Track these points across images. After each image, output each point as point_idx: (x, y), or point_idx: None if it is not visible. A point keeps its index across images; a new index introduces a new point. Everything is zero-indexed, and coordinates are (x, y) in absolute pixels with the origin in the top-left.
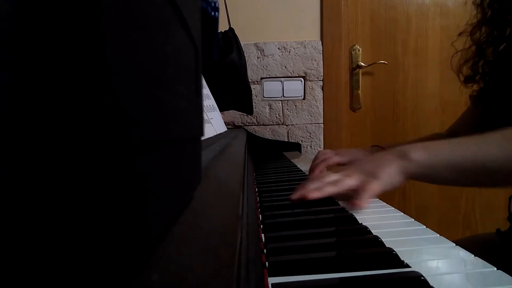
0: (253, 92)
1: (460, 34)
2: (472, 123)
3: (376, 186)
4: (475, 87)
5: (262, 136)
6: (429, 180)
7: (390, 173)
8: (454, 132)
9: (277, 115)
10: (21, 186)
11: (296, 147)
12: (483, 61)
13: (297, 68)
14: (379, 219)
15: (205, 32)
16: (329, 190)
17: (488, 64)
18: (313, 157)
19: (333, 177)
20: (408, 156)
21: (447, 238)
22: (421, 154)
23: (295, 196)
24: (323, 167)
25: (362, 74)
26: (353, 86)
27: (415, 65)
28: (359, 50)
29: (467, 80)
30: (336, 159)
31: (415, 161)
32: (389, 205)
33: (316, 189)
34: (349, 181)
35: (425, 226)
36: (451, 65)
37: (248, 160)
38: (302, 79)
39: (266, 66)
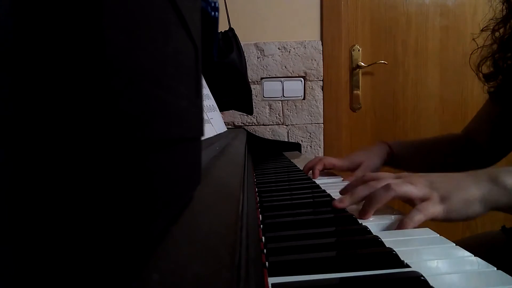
0: (253, 92)
1: (483, 29)
2: (488, 122)
3: (434, 209)
4: (492, 84)
5: (262, 136)
6: None
7: (466, 201)
8: (470, 132)
9: (277, 115)
10: (21, 185)
11: (296, 147)
12: (508, 55)
13: (297, 68)
14: (379, 219)
15: (205, 32)
16: (384, 200)
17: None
18: (313, 157)
19: (389, 180)
20: (498, 180)
21: (447, 238)
22: None
23: (342, 205)
24: (320, 167)
25: (362, 74)
26: (353, 86)
27: (415, 65)
28: (359, 50)
29: (488, 77)
30: (333, 160)
31: (506, 187)
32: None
33: (370, 203)
34: (409, 188)
35: (425, 226)
36: (470, 62)
37: (248, 160)
38: (302, 79)
39: (266, 66)
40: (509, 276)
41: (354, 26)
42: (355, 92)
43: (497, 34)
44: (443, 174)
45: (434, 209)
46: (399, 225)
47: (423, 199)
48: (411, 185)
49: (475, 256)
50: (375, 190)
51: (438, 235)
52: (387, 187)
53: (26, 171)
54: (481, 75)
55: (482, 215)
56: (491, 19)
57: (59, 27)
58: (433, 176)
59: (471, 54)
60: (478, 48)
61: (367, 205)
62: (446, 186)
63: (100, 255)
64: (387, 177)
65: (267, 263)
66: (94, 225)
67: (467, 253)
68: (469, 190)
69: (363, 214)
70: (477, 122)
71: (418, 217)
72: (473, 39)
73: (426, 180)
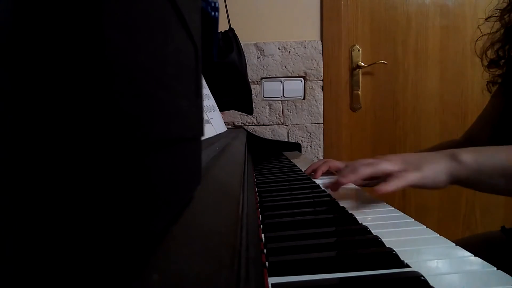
0: (253, 92)
1: (487, 18)
2: (490, 125)
3: (413, 177)
4: (494, 71)
5: (262, 136)
6: (476, 186)
7: (435, 170)
8: (471, 137)
9: (277, 115)
10: (21, 185)
11: (296, 147)
12: (510, 45)
13: (297, 68)
14: (379, 219)
15: (205, 32)
16: (364, 172)
17: None
18: (313, 157)
19: (369, 160)
20: (457, 157)
21: (447, 238)
22: (471, 157)
23: (331, 184)
24: (325, 168)
25: (362, 74)
26: (353, 86)
27: (415, 65)
28: (359, 50)
29: (491, 64)
30: (339, 164)
31: (464, 163)
32: (389, 205)
33: (351, 172)
34: (386, 165)
35: (425, 226)
36: (475, 49)
37: (248, 160)
38: (302, 79)
39: (266, 66)
40: (509, 276)
41: (354, 26)
42: (355, 92)
43: (503, 21)
44: (414, 153)
45: (412, 176)
46: (376, 190)
47: (400, 172)
48: (388, 162)
49: (475, 256)
50: (358, 165)
51: (438, 235)
52: (368, 164)
53: (26, 171)
54: (485, 61)
55: (447, 187)
56: (495, 8)
57: (59, 27)
58: (405, 155)
59: (476, 40)
60: (483, 36)
61: (349, 172)
62: (417, 161)
63: (100, 255)
64: (367, 159)
65: (267, 263)
66: (95, 225)
67: (467, 253)
68: (436, 162)
69: (341, 177)
70: (478, 125)
71: (394, 182)
72: (478, 27)
73: (400, 157)
